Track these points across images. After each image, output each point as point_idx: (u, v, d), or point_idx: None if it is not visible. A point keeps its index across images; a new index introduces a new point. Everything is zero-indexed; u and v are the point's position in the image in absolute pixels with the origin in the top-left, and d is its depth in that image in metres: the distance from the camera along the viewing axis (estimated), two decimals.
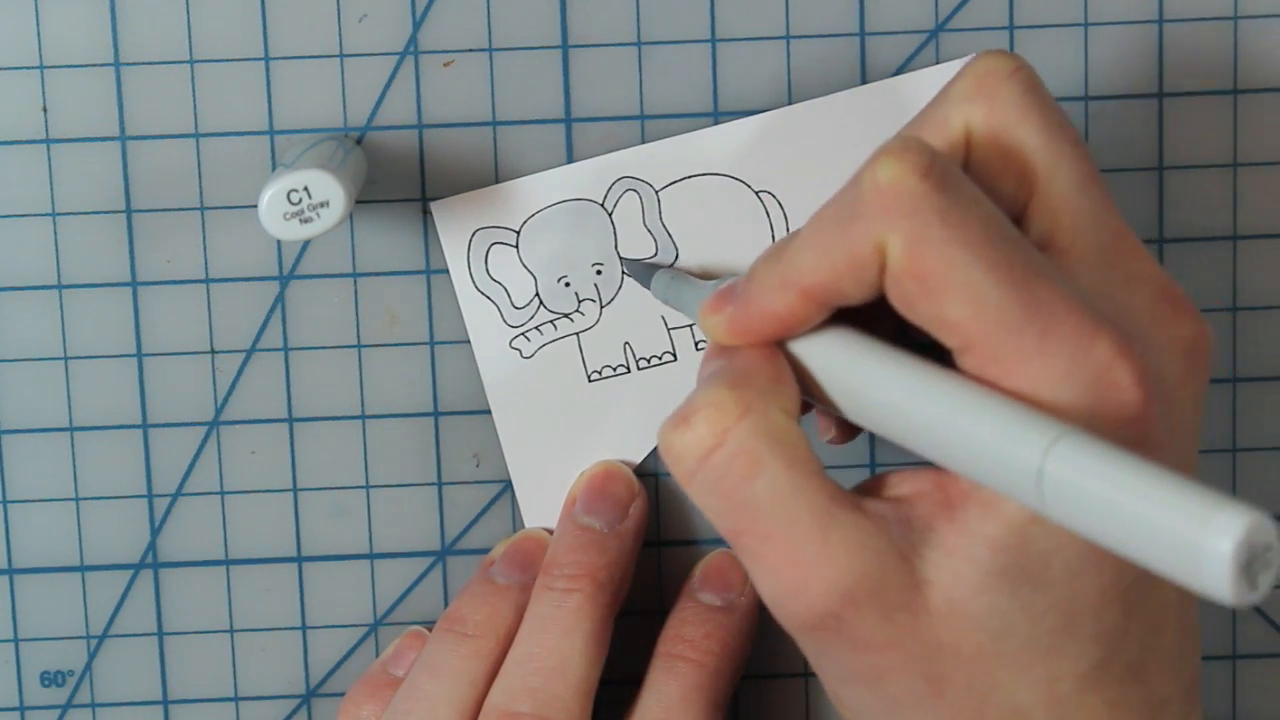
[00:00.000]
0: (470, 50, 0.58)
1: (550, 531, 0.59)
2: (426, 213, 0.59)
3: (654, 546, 0.60)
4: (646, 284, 0.57)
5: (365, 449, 0.60)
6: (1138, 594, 0.47)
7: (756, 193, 0.58)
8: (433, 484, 0.60)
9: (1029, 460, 0.43)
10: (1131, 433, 0.45)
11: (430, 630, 0.59)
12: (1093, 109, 0.58)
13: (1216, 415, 0.60)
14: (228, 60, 0.58)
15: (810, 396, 0.49)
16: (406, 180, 0.58)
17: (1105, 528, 0.41)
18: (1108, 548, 0.41)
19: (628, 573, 0.58)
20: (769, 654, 0.60)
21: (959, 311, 0.45)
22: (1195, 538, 0.40)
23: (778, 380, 0.48)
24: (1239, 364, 0.60)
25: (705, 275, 0.58)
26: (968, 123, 0.48)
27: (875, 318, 0.48)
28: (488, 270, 0.59)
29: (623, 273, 0.59)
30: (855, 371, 0.48)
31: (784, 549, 0.46)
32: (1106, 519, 0.41)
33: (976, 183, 0.47)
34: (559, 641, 0.56)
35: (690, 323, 0.59)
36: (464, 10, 0.58)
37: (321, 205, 0.53)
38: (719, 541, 0.60)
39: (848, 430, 0.52)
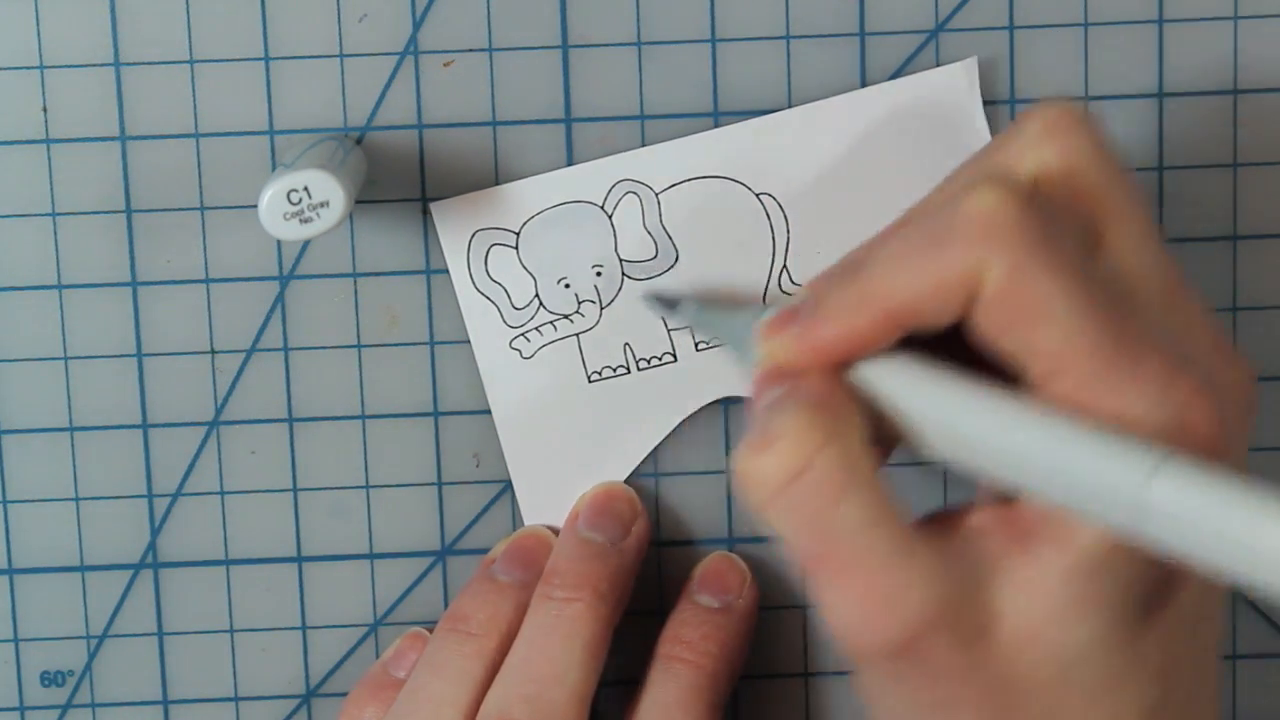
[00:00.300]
0: (470, 50, 0.58)
1: (552, 529, 0.59)
2: (426, 213, 0.59)
3: (654, 546, 0.60)
4: (668, 312, 0.57)
5: (365, 449, 0.60)
6: (1194, 630, 0.48)
7: (757, 195, 0.58)
8: (433, 484, 0.60)
9: (1132, 485, 0.43)
10: None
11: (430, 631, 0.59)
12: (1093, 109, 0.58)
13: None
14: (228, 60, 0.58)
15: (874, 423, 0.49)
16: (406, 180, 0.58)
17: (1210, 549, 0.42)
18: (1208, 568, 0.42)
19: (627, 588, 0.58)
20: (769, 654, 0.60)
21: (1053, 340, 0.46)
22: None
23: (850, 408, 0.48)
24: None
25: (712, 301, 0.58)
26: (1041, 162, 0.49)
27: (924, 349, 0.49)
28: (488, 271, 0.59)
29: (623, 274, 0.59)
30: (935, 398, 0.47)
31: (863, 577, 0.46)
32: (1212, 540, 0.42)
33: None
34: (557, 649, 0.56)
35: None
36: (464, 10, 0.58)
37: (321, 205, 0.53)
38: (719, 543, 0.60)
39: (882, 453, 0.52)
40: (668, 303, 0.57)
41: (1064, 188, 0.48)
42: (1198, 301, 0.49)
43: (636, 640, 0.58)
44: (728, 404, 0.59)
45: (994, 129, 0.58)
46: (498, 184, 0.58)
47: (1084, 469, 0.44)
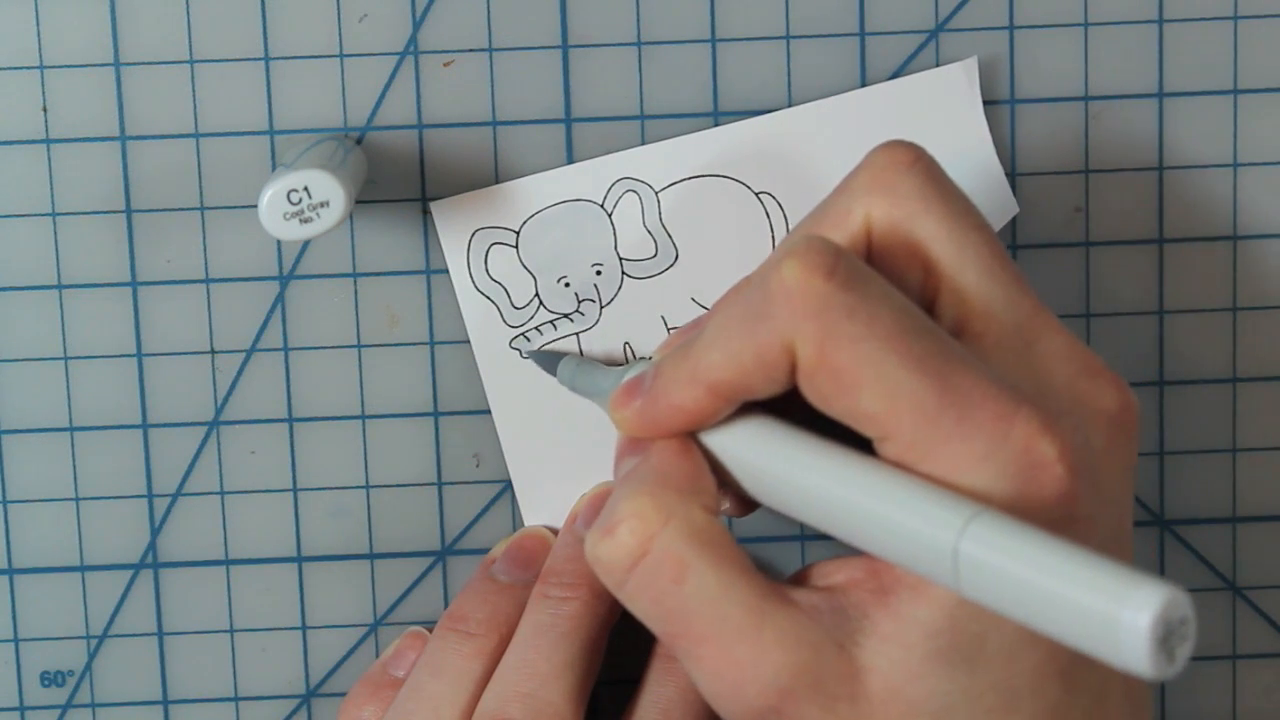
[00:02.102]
0: (470, 50, 0.58)
1: (551, 530, 0.59)
2: (426, 213, 0.59)
3: None
4: (552, 371, 0.57)
5: (365, 449, 0.60)
6: (1078, 668, 0.47)
7: (756, 194, 0.58)
8: (433, 484, 0.60)
9: (944, 541, 0.43)
10: (1059, 509, 0.46)
11: (430, 630, 0.59)
12: (1093, 109, 0.58)
13: (1215, 416, 0.60)
14: (228, 60, 0.58)
15: (724, 483, 0.49)
16: (406, 180, 0.58)
17: (1023, 606, 0.42)
18: (1027, 626, 0.42)
19: None
20: None
21: (874, 404, 0.46)
22: (1113, 614, 0.40)
23: (696, 478, 0.49)
24: (1239, 364, 0.60)
25: (587, 362, 0.58)
26: (868, 215, 0.49)
27: (789, 399, 0.49)
28: (488, 270, 0.59)
29: (623, 273, 0.59)
30: (770, 461, 0.48)
31: (719, 649, 0.47)
32: (1024, 598, 0.42)
33: (882, 274, 0.47)
34: (554, 648, 0.56)
35: None
36: (464, 10, 0.58)
37: (321, 205, 0.53)
38: None
39: (746, 504, 0.52)
40: (549, 361, 0.58)
41: (895, 238, 0.49)
42: (1058, 330, 0.49)
43: (637, 640, 0.58)
44: None
45: (994, 129, 0.58)
46: (498, 184, 0.58)
47: (900, 528, 0.45)
